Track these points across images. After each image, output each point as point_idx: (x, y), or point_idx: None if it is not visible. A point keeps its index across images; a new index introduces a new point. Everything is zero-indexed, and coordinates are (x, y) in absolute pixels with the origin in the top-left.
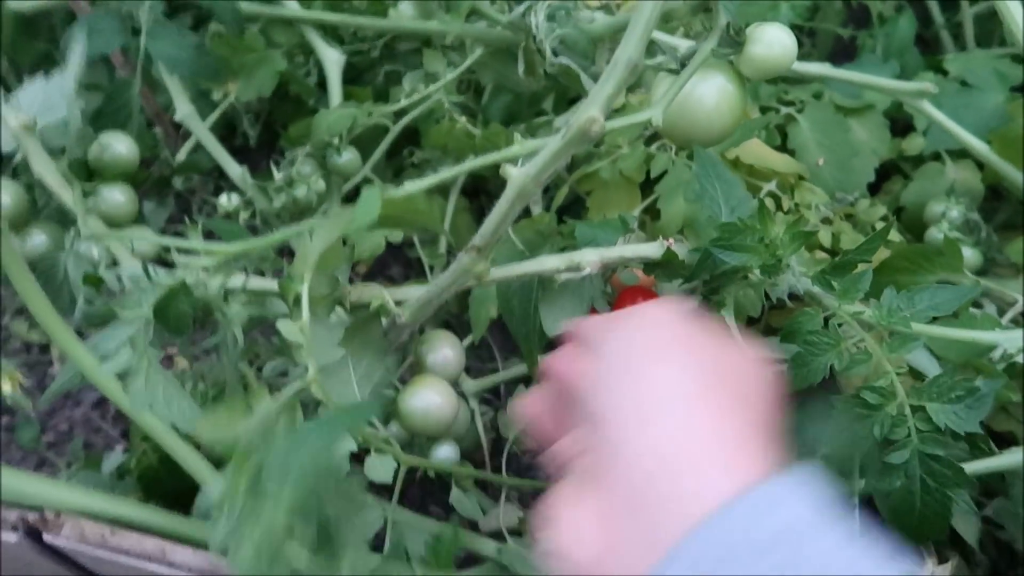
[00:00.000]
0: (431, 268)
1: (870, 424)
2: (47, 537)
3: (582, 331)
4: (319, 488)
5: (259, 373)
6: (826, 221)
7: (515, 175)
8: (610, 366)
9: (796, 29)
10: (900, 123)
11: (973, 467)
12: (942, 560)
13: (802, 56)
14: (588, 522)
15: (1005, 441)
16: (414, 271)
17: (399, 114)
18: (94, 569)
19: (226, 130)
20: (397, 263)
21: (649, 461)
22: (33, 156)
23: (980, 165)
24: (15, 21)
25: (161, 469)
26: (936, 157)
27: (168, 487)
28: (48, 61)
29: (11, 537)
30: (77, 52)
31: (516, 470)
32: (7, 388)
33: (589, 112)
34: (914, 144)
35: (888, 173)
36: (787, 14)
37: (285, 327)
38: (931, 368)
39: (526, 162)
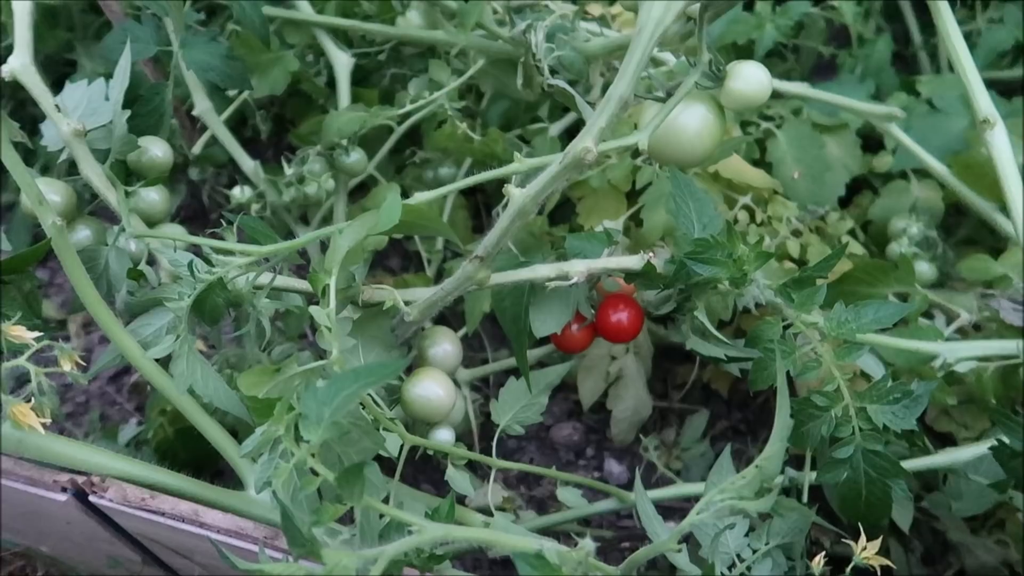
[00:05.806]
0: (428, 261)
1: (819, 424)
2: (93, 498)
3: None
4: (347, 429)
5: (269, 356)
6: (796, 233)
7: (516, 195)
8: None
9: (781, 45)
10: (872, 140)
11: (912, 464)
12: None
13: (785, 71)
14: None
15: (947, 441)
16: (412, 263)
17: (404, 116)
18: (131, 528)
19: (237, 122)
20: (396, 255)
21: None
22: (82, 160)
23: (943, 184)
24: (40, 10)
25: (176, 441)
26: (903, 175)
27: (182, 457)
28: (68, 48)
29: (60, 497)
30: (124, 61)
31: (503, 453)
32: (67, 366)
33: (584, 143)
34: (883, 162)
35: (859, 188)
36: (771, 33)
37: (317, 313)
38: (878, 372)
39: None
